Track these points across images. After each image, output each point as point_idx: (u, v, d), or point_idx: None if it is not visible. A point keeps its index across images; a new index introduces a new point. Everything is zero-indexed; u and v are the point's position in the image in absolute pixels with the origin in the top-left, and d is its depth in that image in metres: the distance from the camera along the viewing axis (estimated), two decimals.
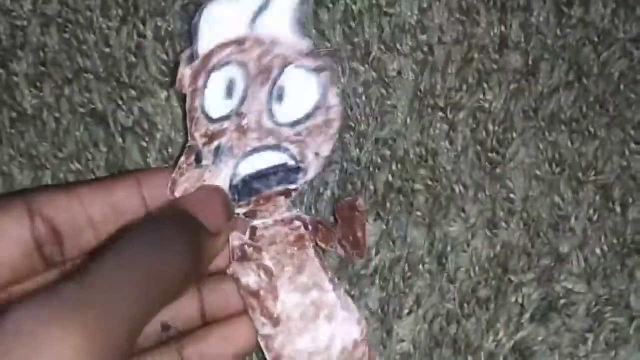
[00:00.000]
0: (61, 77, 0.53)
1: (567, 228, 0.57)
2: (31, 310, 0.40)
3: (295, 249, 0.54)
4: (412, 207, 0.55)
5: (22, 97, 0.53)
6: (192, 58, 0.52)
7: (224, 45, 0.52)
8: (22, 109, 0.53)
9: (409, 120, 0.55)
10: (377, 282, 0.55)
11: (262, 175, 0.54)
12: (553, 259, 0.56)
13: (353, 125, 0.56)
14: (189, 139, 0.52)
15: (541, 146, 0.57)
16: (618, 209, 0.57)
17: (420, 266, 0.55)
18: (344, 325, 0.53)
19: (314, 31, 0.57)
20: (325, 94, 0.54)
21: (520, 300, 0.56)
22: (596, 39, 0.58)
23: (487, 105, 0.56)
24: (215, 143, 0.52)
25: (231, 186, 0.53)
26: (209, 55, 0.52)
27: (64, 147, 0.52)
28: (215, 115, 0.53)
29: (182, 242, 0.46)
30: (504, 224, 0.56)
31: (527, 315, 0.56)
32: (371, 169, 0.56)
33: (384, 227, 0.55)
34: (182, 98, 0.52)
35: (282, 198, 0.54)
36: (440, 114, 0.56)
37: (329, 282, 0.53)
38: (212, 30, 0.52)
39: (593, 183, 0.57)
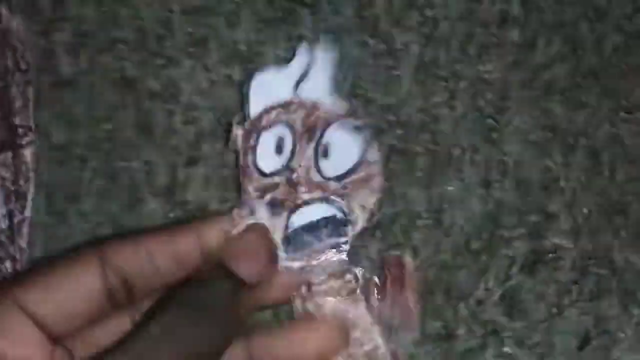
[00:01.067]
0: (96, 46, 0.56)
1: (557, 188, 0.59)
2: None
3: (349, 302, 0.54)
4: (412, 167, 0.58)
5: (60, 63, 0.55)
6: (243, 120, 0.55)
7: (272, 108, 0.55)
8: (60, 75, 0.56)
9: (412, 89, 0.58)
10: (378, 234, 0.58)
11: (312, 228, 0.55)
12: (542, 216, 0.59)
13: (361, 92, 0.58)
14: (242, 193, 0.55)
15: (535, 113, 0.59)
16: (606, 172, 0.60)
17: (418, 221, 0.58)
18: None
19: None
20: (365, 150, 0.56)
21: (509, 253, 0.59)
22: (592, 15, 0.60)
23: (486, 76, 0.59)
24: (268, 196, 0.55)
25: (284, 238, 0.54)
26: (259, 117, 0.55)
27: (96, 109, 0.55)
28: (266, 169, 0.55)
29: (221, 306, 0.48)
30: (497, 184, 0.59)
31: (515, 267, 0.59)
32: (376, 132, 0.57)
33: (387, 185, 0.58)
34: (235, 154, 0.56)
35: (334, 251, 0.55)
36: (442, 83, 0.58)
37: (380, 336, 0.55)
38: (260, 95, 0.55)
39: (583, 148, 0.59)
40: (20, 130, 0.52)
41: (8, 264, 0.53)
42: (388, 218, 0.58)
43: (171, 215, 0.56)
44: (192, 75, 0.58)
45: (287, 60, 0.56)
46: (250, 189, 0.55)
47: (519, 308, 0.58)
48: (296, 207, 0.55)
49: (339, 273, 0.55)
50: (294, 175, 0.55)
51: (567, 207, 0.59)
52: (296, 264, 0.54)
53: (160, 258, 0.48)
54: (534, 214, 0.59)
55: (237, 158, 0.55)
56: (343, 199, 0.55)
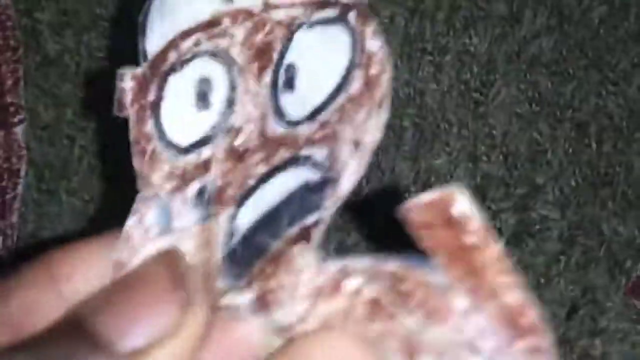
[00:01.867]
0: (80, 24, 0.55)
1: (544, 161, 0.59)
2: None
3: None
4: (400, 141, 0.57)
5: (46, 42, 0.55)
6: (136, 65, 0.30)
7: (186, 34, 0.31)
8: (46, 54, 0.55)
9: (398, 63, 0.58)
10: (365, 208, 0.57)
11: (270, 219, 0.32)
12: (529, 189, 0.59)
13: None
14: (141, 186, 0.30)
15: (522, 86, 0.59)
16: (593, 145, 0.59)
17: (406, 194, 0.57)
18: None
19: None
20: (359, 41, 0.32)
21: (497, 225, 0.58)
22: None
23: (472, 49, 0.58)
24: (193, 187, 0.31)
25: (229, 254, 0.31)
26: (162, 53, 0.30)
27: (83, 88, 0.55)
28: (184, 141, 0.30)
29: None
30: (484, 157, 0.58)
31: (503, 239, 0.58)
32: None
33: (374, 159, 0.57)
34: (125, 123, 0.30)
35: (302, 245, 0.31)
36: (428, 57, 0.58)
37: None
38: (166, 21, 0.30)
39: (570, 120, 0.59)
40: (11, 109, 0.51)
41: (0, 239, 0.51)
42: (375, 192, 0.57)
43: None
44: None
45: None
46: (156, 178, 0.30)
47: None
48: (247, 194, 0.32)
49: (324, 287, 0.30)
50: (238, 141, 0.31)
51: (554, 179, 0.58)
52: (246, 298, 0.32)
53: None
54: (521, 186, 0.58)
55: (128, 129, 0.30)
56: (322, 148, 0.32)
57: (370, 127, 0.32)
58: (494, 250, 0.26)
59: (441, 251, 0.27)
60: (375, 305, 0.29)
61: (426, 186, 0.58)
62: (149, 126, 0.29)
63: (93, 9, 0.55)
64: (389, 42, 0.55)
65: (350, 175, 0.32)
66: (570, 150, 0.59)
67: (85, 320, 0.30)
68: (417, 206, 0.27)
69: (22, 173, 0.51)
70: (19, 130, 0.51)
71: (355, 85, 0.32)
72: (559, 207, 0.59)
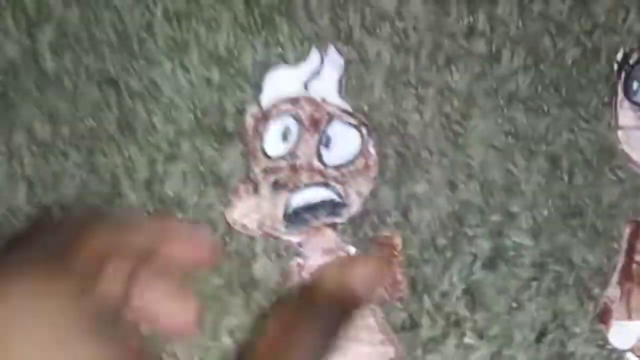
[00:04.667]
0: (80, 47, 0.53)
1: (518, 191, 0.58)
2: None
3: None
4: (383, 168, 0.55)
5: (45, 63, 0.53)
6: (256, 110, 0.56)
7: (282, 102, 0.56)
8: (45, 73, 0.53)
9: (383, 95, 0.55)
10: (349, 230, 0.55)
11: (311, 208, 0.56)
12: (504, 216, 0.57)
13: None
14: (249, 173, 0.56)
15: (499, 120, 0.57)
16: (565, 177, 0.58)
17: (387, 218, 0.55)
18: (381, 346, 0.56)
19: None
20: (365, 144, 0.57)
21: (473, 250, 0.56)
22: (553, 31, 0.59)
23: (453, 85, 0.57)
24: (272, 177, 0.56)
25: (285, 215, 0.56)
26: (270, 108, 0.56)
27: (80, 107, 0.52)
28: (272, 154, 0.56)
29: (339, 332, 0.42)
30: (462, 185, 0.57)
31: (478, 263, 0.57)
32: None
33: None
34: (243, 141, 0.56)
35: (329, 230, 0.57)
36: (412, 90, 0.56)
37: (368, 309, 0.56)
38: (273, 89, 0.56)
39: (543, 153, 0.57)
40: None
41: None
42: (359, 216, 0.54)
43: (150, 209, 0.52)
44: (172, 77, 0.56)
45: (267, 65, 0.56)
46: (257, 169, 0.56)
47: (481, 302, 0.56)
48: (297, 189, 0.57)
49: (333, 250, 0.56)
50: (297, 161, 0.56)
51: (527, 208, 0.57)
52: (294, 238, 0.56)
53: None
54: (496, 214, 0.56)
55: (245, 143, 0.56)
56: (340, 185, 0.56)
57: (365, 188, 0.56)
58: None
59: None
60: None
61: (407, 211, 0.55)
62: (258, 144, 0.55)
63: (93, 33, 0.52)
64: (375, 76, 0.53)
65: (355, 207, 0.56)
66: (544, 182, 0.58)
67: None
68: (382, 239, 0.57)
69: None
70: None
71: (360, 165, 0.56)
72: (531, 235, 0.57)
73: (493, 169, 0.57)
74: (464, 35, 0.57)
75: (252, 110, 0.56)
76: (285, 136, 0.56)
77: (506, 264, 0.57)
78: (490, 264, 0.57)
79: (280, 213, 0.56)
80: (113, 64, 0.54)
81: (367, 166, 0.56)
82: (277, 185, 0.56)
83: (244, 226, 0.56)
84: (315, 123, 0.56)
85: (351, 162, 0.57)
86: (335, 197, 0.56)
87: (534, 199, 0.57)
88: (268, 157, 0.56)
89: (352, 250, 0.56)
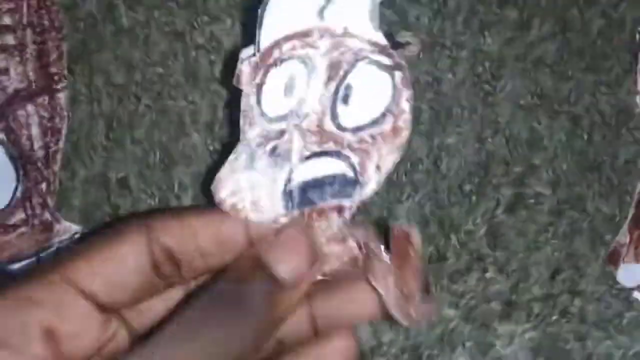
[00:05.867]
0: (151, 3, 0.57)
1: (541, 146, 0.61)
2: None
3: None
4: (417, 120, 0.58)
5: (121, 16, 0.57)
6: (253, 55, 0.42)
7: (287, 39, 0.41)
8: (120, 25, 0.58)
9: (421, 54, 0.59)
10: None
11: (317, 184, 0.42)
12: (527, 168, 0.60)
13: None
14: (241, 137, 0.43)
15: (526, 82, 0.61)
16: (585, 135, 0.61)
17: (419, 165, 0.59)
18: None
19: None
20: (397, 97, 0.42)
21: (496, 196, 0.59)
22: (581, 2, 0.62)
23: (485, 48, 0.59)
24: (271, 144, 0.42)
25: (284, 192, 0.42)
26: (269, 49, 0.41)
27: (151, 55, 0.57)
28: (272, 114, 0.42)
29: (257, 307, 0.40)
30: (489, 139, 0.59)
31: (500, 208, 0.59)
32: None
33: None
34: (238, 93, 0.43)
35: (335, 215, 0.43)
36: (447, 51, 0.60)
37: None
38: (275, 22, 0.41)
39: (566, 113, 0.61)
40: (55, 78, 0.54)
41: (44, 186, 0.56)
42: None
43: (210, 147, 0.56)
44: (232, 31, 0.59)
45: None
46: (252, 134, 0.42)
47: (501, 241, 0.59)
48: (302, 160, 0.42)
49: (340, 238, 0.43)
50: (304, 123, 0.42)
51: (548, 162, 0.60)
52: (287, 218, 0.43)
53: (203, 237, 0.42)
54: (519, 165, 0.60)
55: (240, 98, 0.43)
56: (358, 156, 0.42)
57: (389, 160, 0.43)
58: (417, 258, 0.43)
59: (395, 250, 0.43)
60: (352, 261, 0.43)
61: (437, 160, 0.59)
62: (253, 100, 0.42)
63: None
64: (414, 35, 0.57)
65: (371, 186, 0.43)
66: (565, 139, 0.61)
67: (263, 257, 0.41)
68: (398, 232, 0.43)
69: (64, 131, 0.54)
70: (61, 95, 0.54)
71: (387, 126, 0.42)
72: (550, 186, 0.60)
73: (519, 126, 0.61)
74: (497, 3, 0.61)
75: (247, 55, 0.42)
76: (289, 88, 0.42)
77: (526, 209, 0.61)
78: (511, 209, 0.61)
79: (279, 190, 0.42)
80: (180, 18, 0.58)
81: (396, 129, 0.42)
82: (276, 155, 0.42)
83: (233, 207, 0.43)
84: (333, 67, 0.41)
85: (376, 122, 0.42)
86: (348, 171, 0.42)
87: (554, 153, 0.61)
88: (267, 117, 0.42)
89: (364, 240, 0.44)
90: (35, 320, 0.39)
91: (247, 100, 0.42)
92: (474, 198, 0.61)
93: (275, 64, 0.41)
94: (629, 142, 0.62)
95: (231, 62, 0.57)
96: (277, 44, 0.41)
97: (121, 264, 0.41)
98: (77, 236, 0.55)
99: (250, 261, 0.42)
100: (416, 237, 0.44)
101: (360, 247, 0.43)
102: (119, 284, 0.41)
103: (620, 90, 0.62)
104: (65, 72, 0.56)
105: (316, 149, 0.42)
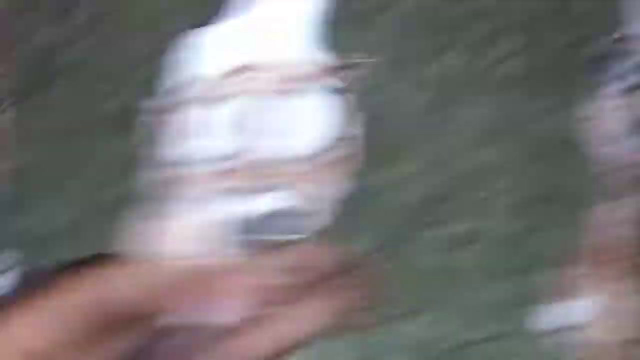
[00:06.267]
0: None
1: (500, 172, 0.59)
2: None
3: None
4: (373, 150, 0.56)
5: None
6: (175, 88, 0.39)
7: (228, 74, 0.38)
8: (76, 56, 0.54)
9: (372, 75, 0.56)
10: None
11: (267, 219, 0.39)
12: (482, 197, 0.58)
13: None
14: (186, 184, 0.39)
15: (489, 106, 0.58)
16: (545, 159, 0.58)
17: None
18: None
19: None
20: (348, 121, 0.39)
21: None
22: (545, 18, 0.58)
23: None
24: (222, 184, 0.39)
25: (236, 227, 0.39)
26: (211, 87, 0.38)
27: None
28: (218, 152, 0.39)
29: None
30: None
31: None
32: None
33: None
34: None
35: (281, 250, 0.39)
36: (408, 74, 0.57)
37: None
38: (212, 56, 0.38)
39: (529, 135, 0.59)
40: (2, 93, 0.52)
41: None
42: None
43: None
44: None
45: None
46: (199, 175, 0.39)
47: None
48: (253, 195, 0.39)
49: (286, 270, 0.40)
50: (253, 159, 0.39)
51: (505, 190, 0.60)
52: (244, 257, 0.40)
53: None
54: (475, 193, 0.58)
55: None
56: (308, 186, 0.40)
57: (340, 187, 0.39)
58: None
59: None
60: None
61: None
62: (195, 141, 0.38)
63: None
64: (366, 57, 0.54)
65: (322, 218, 0.39)
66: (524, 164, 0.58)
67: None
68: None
69: (8, 150, 0.51)
70: (8, 112, 0.51)
71: (338, 153, 0.38)
72: (507, 215, 0.59)
73: (478, 151, 0.60)
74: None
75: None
76: (236, 125, 0.38)
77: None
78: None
79: (232, 226, 0.39)
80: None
81: (347, 155, 0.39)
82: (228, 194, 0.39)
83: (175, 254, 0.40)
84: (279, 98, 0.38)
85: (327, 148, 0.39)
86: (298, 204, 0.40)
87: (513, 180, 0.60)
88: (212, 157, 0.39)
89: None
90: None
91: (182, 141, 0.38)
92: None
93: (218, 101, 0.37)
94: (580, 169, 0.60)
95: None
96: (218, 81, 0.37)
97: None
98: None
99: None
100: (361, 257, 0.41)
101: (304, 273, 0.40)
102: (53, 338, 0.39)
103: (570, 115, 0.59)
104: (12, 85, 0.53)
105: (266, 183, 0.39)
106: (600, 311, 0.55)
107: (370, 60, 0.43)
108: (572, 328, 0.58)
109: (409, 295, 0.58)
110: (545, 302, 0.59)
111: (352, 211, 0.51)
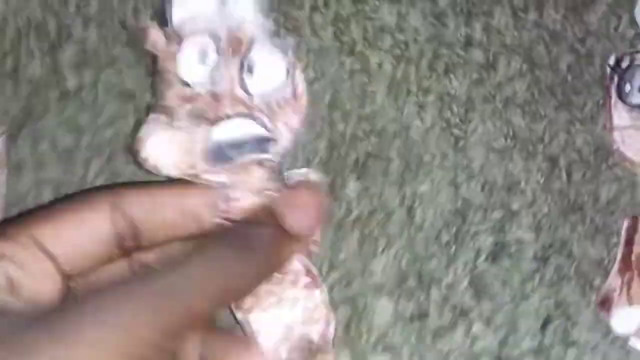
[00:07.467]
0: (99, 64, 0.52)
1: (519, 190, 0.57)
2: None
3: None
4: (387, 170, 0.54)
5: (66, 79, 0.52)
6: (164, 23, 0.47)
7: (196, 19, 0.46)
8: (66, 88, 0.52)
9: (386, 102, 0.55)
10: (357, 228, 0.53)
11: (235, 143, 0.46)
12: (506, 214, 0.55)
13: (340, 105, 0.54)
14: (159, 98, 0.47)
15: (497, 124, 0.57)
16: (563, 176, 0.56)
17: (392, 216, 0.54)
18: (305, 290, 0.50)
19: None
20: (292, 71, 0.48)
21: (476, 245, 0.54)
22: (547, 38, 0.58)
23: (452, 91, 0.55)
24: (189, 106, 0.46)
25: (204, 151, 0.46)
26: (182, 24, 0.46)
27: (99, 117, 0.51)
28: (188, 79, 0.46)
29: (258, 245, 0.41)
30: (464, 185, 0.54)
31: (482, 257, 0.55)
32: (354, 140, 0.56)
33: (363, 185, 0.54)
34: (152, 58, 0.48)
35: (256, 167, 0.46)
36: (413, 97, 0.55)
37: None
38: (184, 3, 0.46)
39: (542, 154, 0.57)
40: None
41: None
42: (365, 214, 0.53)
43: None
44: None
45: None
46: (171, 95, 0.46)
47: (486, 292, 0.54)
48: (218, 120, 0.46)
49: (260, 190, 0.46)
50: (217, 89, 0.46)
51: (528, 206, 0.55)
52: (218, 178, 0.46)
53: (169, 210, 0.44)
54: (497, 210, 0.54)
55: (154, 62, 0.48)
56: (267, 117, 0.47)
57: (295, 120, 0.48)
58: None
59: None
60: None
61: (411, 210, 0.54)
62: (170, 65, 0.46)
63: (111, 51, 0.51)
64: (378, 85, 0.52)
65: (283, 142, 0.48)
66: (542, 180, 0.56)
67: (277, 208, 0.44)
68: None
69: (3, 177, 0.48)
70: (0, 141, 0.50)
71: (287, 94, 0.48)
72: (533, 230, 0.56)
73: (493, 170, 0.57)
74: (461, 45, 0.57)
75: (158, 23, 0.47)
76: (202, 58, 0.46)
77: (509, 257, 0.56)
78: (493, 257, 0.56)
79: (199, 149, 0.46)
80: (130, 78, 0.53)
81: (296, 95, 0.48)
82: (195, 116, 0.46)
83: (157, 167, 0.46)
84: (236, 44, 0.47)
85: (278, 89, 0.47)
86: (261, 130, 0.47)
87: (533, 196, 0.57)
88: (184, 82, 0.46)
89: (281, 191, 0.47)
90: (0, 270, 0.39)
91: (166, 65, 0.47)
92: (452, 248, 0.56)
93: (188, 36, 0.46)
94: (609, 179, 0.58)
95: None
96: (189, 19, 0.46)
97: (85, 230, 0.42)
98: None
99: (264, 210, 0.45)
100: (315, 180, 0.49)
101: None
102: (80, 250, 0.42)
103: (595, 126, 0.58)
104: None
105: (230, 111, 0.46)
106: None
107: None
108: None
109: (438, 311, 0.54)
110: (582, 315, 0.55)
111: (371, 235, 0.49)
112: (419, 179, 0.56)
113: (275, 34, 0.49)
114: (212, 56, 0.46)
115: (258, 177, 0.46)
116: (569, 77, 0.58)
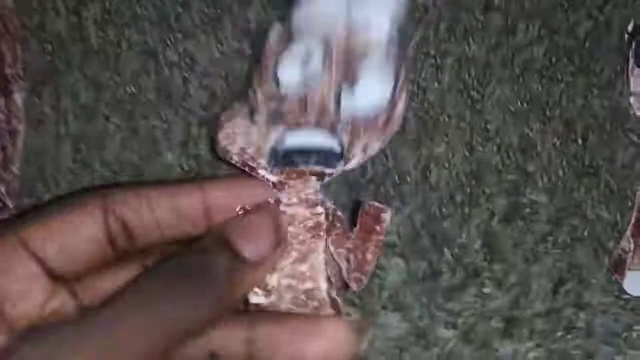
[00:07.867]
0: (122, 21, 0.52)
1: (534, 153, 0.56)
2: (38, 347, 0.37)
3: (309, 236, 0.45)
4: (404, 131, 0.54)
5: (90, 36, 0.52)
6: (284, 23, 0.45)
7: (313, 19, 0.44)
8: (90, 45, 0.53)
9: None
10: (371, 188, 0.54)
11: (304, 151, 0.44)
12: (520, 176, 0.55)
13: None
14: (250, 91, 0.46)
15: (515, 87, 0.56)
16: (579, 139, 0.56)
17: (407, 177, 0.54)
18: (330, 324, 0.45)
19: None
20: (397, 92, 0.46)
21: (490, 207, 0.55)
22: (566, 4, 0.57)
23: (470, 55, 0.55)
24: (274, 105, 0.45)
25: (272, 149, 0.45)
26: (298, 25, 0.45)
27: (122, 75, 0.52)
28: (282, 79, 0.45)
29: (217, 279, 0.40)
30: (480, 147, 0.54)
31: (495, 219, 0.55)
32: None
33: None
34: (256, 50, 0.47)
35: (314, 178, 0.45)
36: (431, 60, 0.55)
37: (326, 280, 0.45)
38: (310, 3, 0.44)
39: (558, 117, 0.57)
40: (11, 79, 0.51)
41: (3, 188, 0.52)
42: (380, 174, 0.53)
43: (185, 166, 0.52)
44: (206, 48, 0.55)
45: None
46: (260, 91, 0.45)
47: (498, 254, 0.54)
48: (298, 126, 0.45)
49: (311, 201, 0.45)
50: (308, 95, 0.44)
51: (543, 168, 0.55)
52: (273, 177, 0.45)
53: (161, 210, 0.43)
54: (512, 173, 0.54)
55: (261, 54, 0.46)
56: (348, 136, 0.45)
57: (375, 147, 0.47)
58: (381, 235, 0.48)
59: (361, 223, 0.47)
60: (316, 226, 0.45)
61: (426, 170, 0.54)
62: (271, 62, 0.44)
63: (134, 8, 0.52)
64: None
65: (353, 163, 0.46)
66: (558, 144, 0.56)
67: (228, 235, 0.41)
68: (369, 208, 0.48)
69: (21, 133, 0.52)
70: (17, 97, 0.52)
71: (380, 119, 0.46)
72: (547, 193, 0.56)
73: (509, 133, 0.57)
74: (480, 11, 0.57)
75: (277, 27, 0.45)
76: (305, 62, 0.44)
77: (522, 219, 0.56)
78: (507, 219, 0.56)
79: (267, 146, 0.45)
80: (152, 36, 0.54)
81: (388, 122, 0.46)
82: (276, 117, 0.45)
83: (226, 150, 0.46)
84: (347, 54, 0.45)
85: (373, 112, 0.45)
86: (336, 147, 0.45)
87: (549, 159, 0.57)
88: (277, 81, 0.45)
89: (332, 209, 0.46)
90: None
91: (267, 61, 0.45)
92: (466, 209, 0.56)
93: (300, 36, 0.44)
94: (625, 144, 0.57)
95: (204, 79, 0.54)
96: (305, 21, 0.44)
97: (75, 231, 0.41)
98: None
99: (216, 237, 0.42)
100: (386, 216, 0.48)
101: (327, 216, 0.45)
102: (71, 251, 0.41)
103: (612, 92, 0.58)
104: (21, 72, 0.52)
105: (312, 120, 0.45)
106: None
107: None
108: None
109: (450, 271, 0.55)
110: (594, 278, 0.55)
111: (385, 195, 0.49)
112: (435, 140, 0.56)
113: (396, 44, 0.47)
114: (315, 62, 0.44)
115: (313, 188, 0.45)
116: (587, 43, 0.58)
